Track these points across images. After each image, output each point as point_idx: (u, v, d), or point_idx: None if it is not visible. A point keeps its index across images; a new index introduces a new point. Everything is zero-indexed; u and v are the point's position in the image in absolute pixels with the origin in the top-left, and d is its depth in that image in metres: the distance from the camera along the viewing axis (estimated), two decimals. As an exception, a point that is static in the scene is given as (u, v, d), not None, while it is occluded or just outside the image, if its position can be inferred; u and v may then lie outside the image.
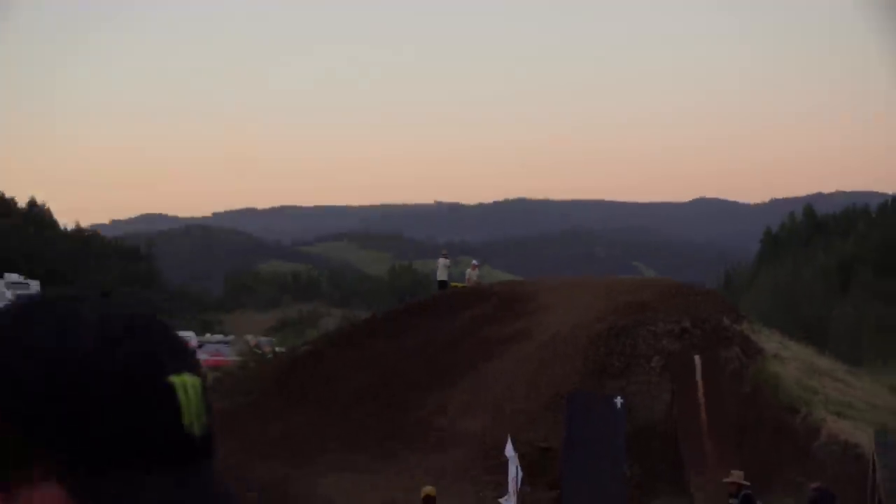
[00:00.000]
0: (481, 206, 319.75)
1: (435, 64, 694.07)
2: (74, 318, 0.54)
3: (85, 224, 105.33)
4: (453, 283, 22.71)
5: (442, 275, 22.27)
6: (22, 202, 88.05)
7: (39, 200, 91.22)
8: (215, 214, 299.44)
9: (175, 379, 0.54)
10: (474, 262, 24.49)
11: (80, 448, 0.50)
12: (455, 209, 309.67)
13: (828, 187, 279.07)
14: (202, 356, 27.89)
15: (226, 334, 46.48)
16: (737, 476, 11.59)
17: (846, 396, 16.37)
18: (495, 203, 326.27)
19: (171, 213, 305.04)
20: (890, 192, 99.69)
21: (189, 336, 34.52)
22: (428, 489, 11.52)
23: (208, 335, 41.37)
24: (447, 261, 22.67)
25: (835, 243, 70.03)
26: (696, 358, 15.52)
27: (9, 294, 35.98)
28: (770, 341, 17.18)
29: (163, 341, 0.56)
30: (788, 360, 16.46)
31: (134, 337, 0.54)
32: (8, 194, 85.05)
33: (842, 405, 15.95)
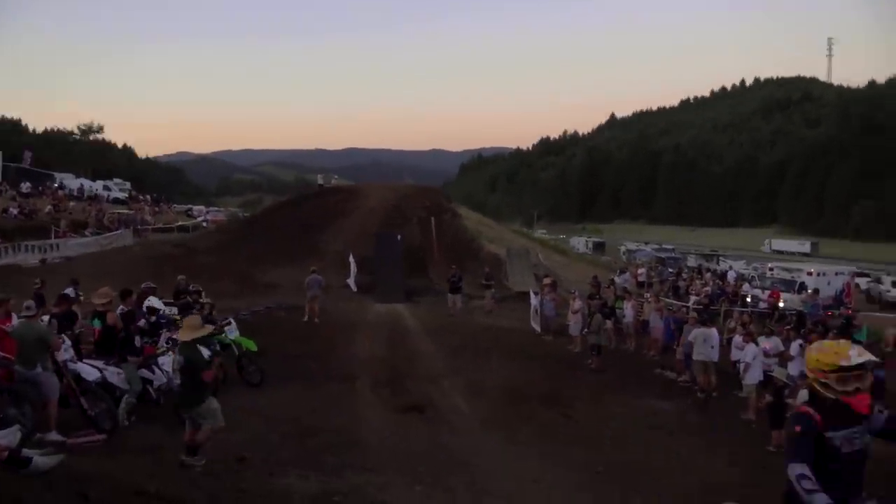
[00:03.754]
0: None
1: None
2: None
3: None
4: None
5: (320, 180, 42.68)
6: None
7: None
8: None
9: None
10: (334, 177, 45.39)
11: None
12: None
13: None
14: (210, 216, 45.82)
15: (219, 207, 71.04)
16: (454, 268, 28.15)
17: (494, 234, 38.10)
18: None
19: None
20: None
21: (201, 209, 52.07)
22: (313, 267, 22.57)
23: (212, 208, 62.38)
24: (321, 176, 43.21)
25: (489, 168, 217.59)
26: (432, 219, 35.48)
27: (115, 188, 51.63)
28: (462, 211, 38.60)
29: None
30: (470, 219, 37.87)
31: None
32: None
33: (493, 238, 37.27)
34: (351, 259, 29.69)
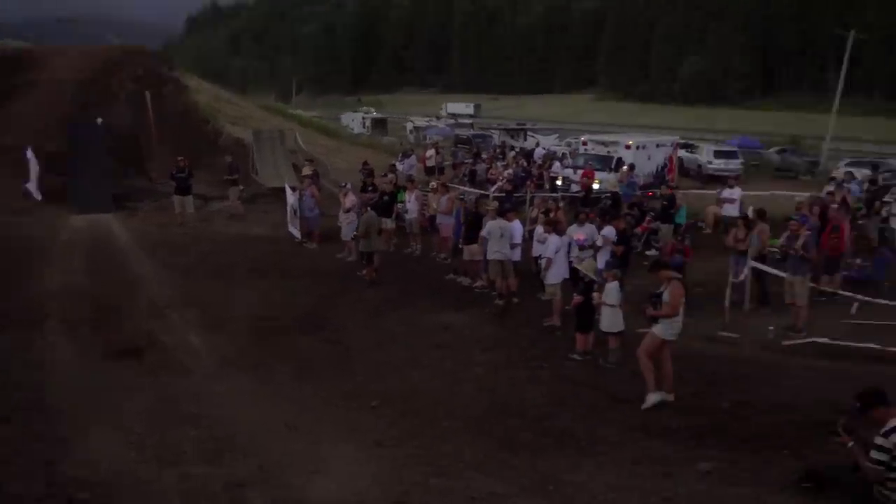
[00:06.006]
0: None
1: None
2: None
3: None
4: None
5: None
6: None
7: None
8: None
9: None
10: None
11: None
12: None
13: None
14: None
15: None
16: (182, 161, 25.40)
17: (239, 113, 37.23)
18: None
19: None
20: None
21: None
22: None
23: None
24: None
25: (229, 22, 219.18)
26: (147, 94, 33.63)
27: None
28: (192, 82, 37.16)
29: None
30: (203, 92, 36.59)
31: None
32: None
33: (235, 118, 36.43)
34: (29, 155, 27.58)
